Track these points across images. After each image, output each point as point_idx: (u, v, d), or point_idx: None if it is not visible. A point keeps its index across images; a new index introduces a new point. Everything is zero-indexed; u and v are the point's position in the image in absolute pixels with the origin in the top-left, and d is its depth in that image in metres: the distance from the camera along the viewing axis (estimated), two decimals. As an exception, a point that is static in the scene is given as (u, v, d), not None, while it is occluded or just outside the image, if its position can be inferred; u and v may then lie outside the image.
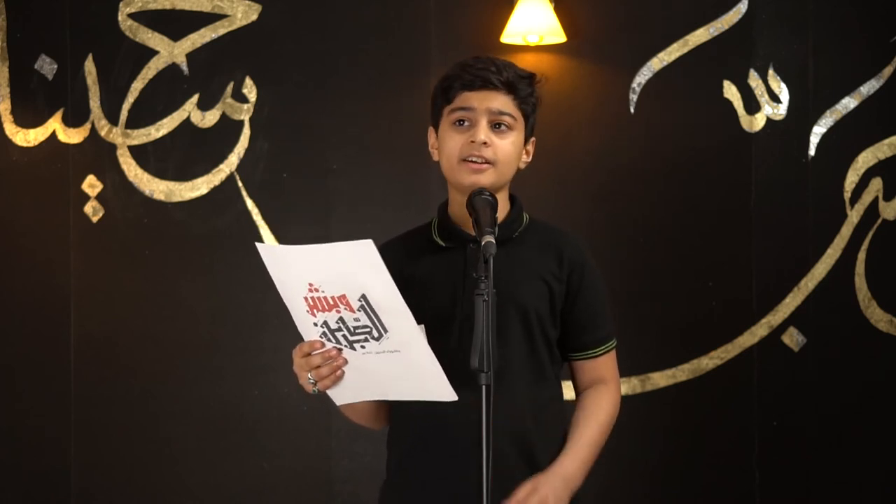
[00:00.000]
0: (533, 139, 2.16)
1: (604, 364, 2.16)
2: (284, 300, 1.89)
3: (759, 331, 3.66)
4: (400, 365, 1.88)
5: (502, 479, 1.94)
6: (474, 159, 2.05)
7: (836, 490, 3.64)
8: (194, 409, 3.73)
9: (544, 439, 2.10)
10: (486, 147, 2.05)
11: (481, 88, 2.06)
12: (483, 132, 2.05)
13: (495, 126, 2.07)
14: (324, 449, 3.69)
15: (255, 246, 1.88)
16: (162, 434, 3.73)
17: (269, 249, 1.85)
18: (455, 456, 2.03)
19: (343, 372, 1.93)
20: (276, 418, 3.71)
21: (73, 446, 3.74)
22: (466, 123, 2.07)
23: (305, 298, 1.85)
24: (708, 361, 3.66)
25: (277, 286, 1.88)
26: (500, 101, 2.07)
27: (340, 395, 1.99)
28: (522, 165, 2.15)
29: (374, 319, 1.84)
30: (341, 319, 1.86)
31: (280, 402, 3.70)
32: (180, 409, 3.73)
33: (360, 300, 1.82)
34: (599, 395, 2.15)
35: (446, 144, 2.09)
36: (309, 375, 1.94)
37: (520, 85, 2.08)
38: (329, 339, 1.90)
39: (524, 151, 2.14)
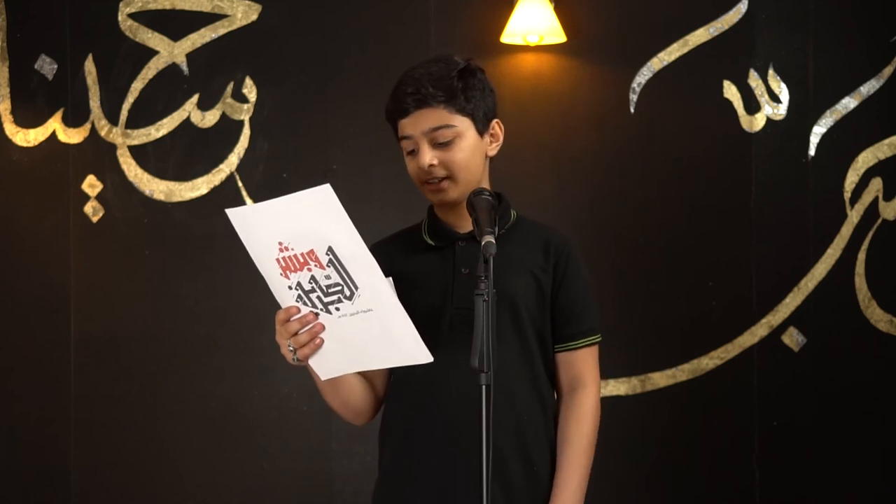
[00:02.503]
0: (495, 121, 2.14)
1: (583, 359, 2.15)
2: (259, 267, 1.93)
3: (759, 331, 3.66)
4: (375, 326, 1.91)
5: (497, 473, 1.94)
6: (430, 181, 2.07)
7: (836, 490, 3.64)
8: (194, 409, 3.73)
9: (538, 433, 2.11)
10: (435, 168, 2.06)
11: (414, 111, 2.06)
12: (426, 156, 2.05)
13: (439, 143, 2.06)
14: (324, 449, 3.69)
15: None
16: (162, 434, 3.73)
17: (239, 212, 1.88)
18: (450, 451, 2.04)
19: (322, 340, 1.94)
20: (276, 418, 3.71)
21: (73, 446, 3.74)
22: (413, 150, 2.08)
23: (277, 260, 1.89)
24: (708, 361, 3.66)
25: (250, 253, 1.92)
26: (434, 118, 2.05)
27: (322, 368, 2.00)
28: (493, 152, 2.15)
29: (344, 275, 1.87)
30: (313, 279, 1.89)
31: (280, 402, 3.70)
32: (180, 409, 3.73)
33: (327, 254, 1.86)
34: (580, 409, 2.12)
35: (407, 168, 2.12)
36: (289, 343, 1.95)
37: (449, 89, 2.05)
38: (305, 303, 1.93)
39: (489, 138, 2.13)
